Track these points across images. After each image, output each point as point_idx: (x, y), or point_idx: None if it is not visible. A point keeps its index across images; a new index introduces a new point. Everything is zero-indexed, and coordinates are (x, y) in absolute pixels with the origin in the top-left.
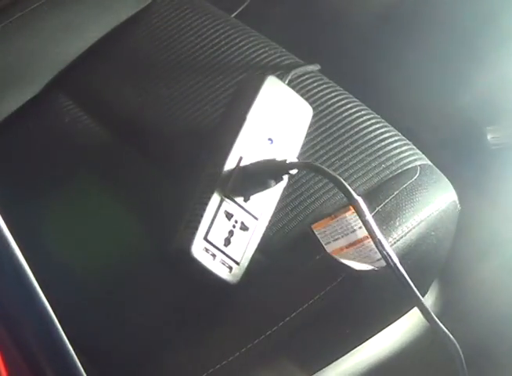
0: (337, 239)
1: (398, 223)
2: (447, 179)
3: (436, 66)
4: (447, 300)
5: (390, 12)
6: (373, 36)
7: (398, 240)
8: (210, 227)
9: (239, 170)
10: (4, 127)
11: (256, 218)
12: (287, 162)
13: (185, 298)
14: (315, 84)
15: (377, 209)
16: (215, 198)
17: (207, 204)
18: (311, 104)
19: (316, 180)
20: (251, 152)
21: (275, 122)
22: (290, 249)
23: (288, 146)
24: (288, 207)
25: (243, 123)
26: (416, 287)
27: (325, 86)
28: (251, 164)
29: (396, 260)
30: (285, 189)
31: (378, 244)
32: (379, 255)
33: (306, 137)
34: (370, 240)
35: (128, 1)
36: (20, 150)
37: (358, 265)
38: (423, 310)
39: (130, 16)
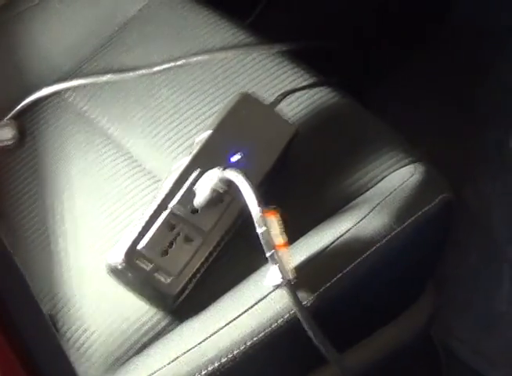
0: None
1: (391, 222)
2: (444, 178)
3: None
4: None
5: None
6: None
7: (392, 238)
8: (146, 237)
9: (189, 183)
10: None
11: (203, 232)
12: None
13: None
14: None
15: (372, 210)
16: (158, 209)
17: (147, 215)
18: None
19: None
20: (211, 166)
21: (246, 139)
22: None
23: (258, 162)
24: None
25: (207, 137)
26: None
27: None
28: (202, 177)
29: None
30: None
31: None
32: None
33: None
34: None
35: None
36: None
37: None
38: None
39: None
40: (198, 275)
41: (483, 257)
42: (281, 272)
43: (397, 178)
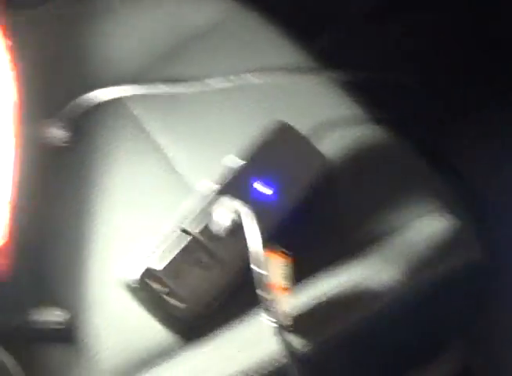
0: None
1: (404, 278)
2: (478, 239)
3: None
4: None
5: None
6: None
7: (404, 295)
8: (165, 261)
9: (214, 211)
10: None
11: (221, 261)
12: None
13: None
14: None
15: (387, 261)
16: (179, 233)
17: (170, 238)
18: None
19: None
20: (237, 196)
21: (277, 170)
22: None
23: (289, 193)
24: None
25: (237, 166)
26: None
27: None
28: (225, 207)
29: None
30: None
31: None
32: None
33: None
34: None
35: None
36: None
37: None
38: None
39: None
40: (214, 302)
41: None
42: (275, 316)
43: (425, 229)
